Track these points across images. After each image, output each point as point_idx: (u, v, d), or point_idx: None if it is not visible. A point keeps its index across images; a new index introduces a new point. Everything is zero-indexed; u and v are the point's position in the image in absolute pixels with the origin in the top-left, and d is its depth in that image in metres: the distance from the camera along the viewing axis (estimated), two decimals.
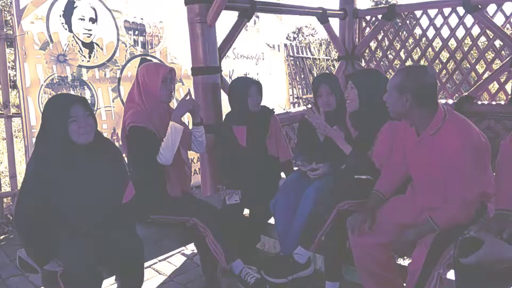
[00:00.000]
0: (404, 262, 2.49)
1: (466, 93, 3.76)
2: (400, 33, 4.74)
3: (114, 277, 2.20)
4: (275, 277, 2.30)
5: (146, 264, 2.70)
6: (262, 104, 2.71)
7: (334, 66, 7.89)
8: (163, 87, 2.30)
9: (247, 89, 2.58)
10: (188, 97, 2.41)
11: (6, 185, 4.07)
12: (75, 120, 1.81)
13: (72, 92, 3.56)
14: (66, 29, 3.62)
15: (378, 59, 4.52)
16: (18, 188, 3.79)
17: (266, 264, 2.41)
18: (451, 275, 1.75)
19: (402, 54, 4.59)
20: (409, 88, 1.79)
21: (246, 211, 2.72)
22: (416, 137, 1.89)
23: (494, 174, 1.81)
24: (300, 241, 2.28)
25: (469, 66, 3.87)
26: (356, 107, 2.25)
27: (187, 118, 4.44)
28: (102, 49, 3.84)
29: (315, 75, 7.79)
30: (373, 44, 4.41)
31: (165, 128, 2.30)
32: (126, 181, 2.06)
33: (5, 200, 3.86)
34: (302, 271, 2.31)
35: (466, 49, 3.83)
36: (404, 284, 2.04)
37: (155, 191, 2.33)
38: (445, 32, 3.86)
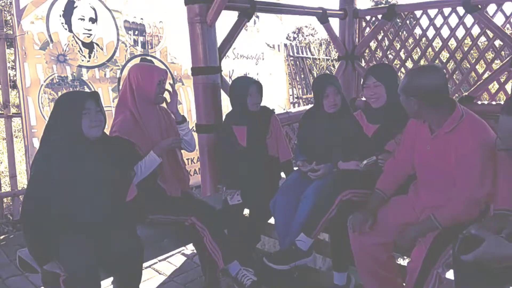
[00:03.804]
0: (404, 262, 2.49)
1: (466, 93, 3.76)
2: (400, 33, 4.74)
3: (111, 280, 2.20)
4: (277, 263, 2.26)
5: (146, 264, 2.71)
6: (262, 104, 2.71)
7: (334, 66, 7.90)
8: (157, 90, 2.30)
9: (246, 88, 2.58)
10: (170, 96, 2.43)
11: (6, 185, 4.07)
12: (87, 113, 1.86)
13: None
14: (66, 29, 3.62)
15: (378, 59, 4.52)
16: (18, 188, 3.81)
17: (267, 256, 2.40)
18: (450, 274, 1.75)
19: (402, 54, 4.59)
20: (412, 92, 1.79)
21: (246, 211, 2.72)
22: (429, 134, 1.89)
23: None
24: (303, 229, 2.27)
25: (469, 66, 3.87)
26: (383, 102, 2.27)
27: (187, 113, 4.45)
28: (102, 49, 3.84)
29: (315, 75, 7.79)
30: (373, 44, 4.41)
31: (155, 131, 2.31)
32: (130, 180, 2.08)
33: (5, 200, 3.86)
34: (303, 258, 2.28)
35: (466, 49, 3.83)
36: (404, 284, 2.04)
37: (152, 191, 2.33)
38: (445, 32, 3.86)
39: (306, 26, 17.02)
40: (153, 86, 2.27)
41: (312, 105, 2.68)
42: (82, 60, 3.72)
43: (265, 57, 5.23)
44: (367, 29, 4.38)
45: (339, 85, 2.50)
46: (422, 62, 4.61)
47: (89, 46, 3.76)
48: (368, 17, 4.38)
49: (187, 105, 4.43)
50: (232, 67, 4.83)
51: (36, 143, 3.37)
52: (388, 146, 2.25)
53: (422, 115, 1.85)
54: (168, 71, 3.77)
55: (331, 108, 2.45)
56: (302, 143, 2.66)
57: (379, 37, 4.36)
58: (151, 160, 2.25)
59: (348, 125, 2.40)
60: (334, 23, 4.34)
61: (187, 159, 4.28)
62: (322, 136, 2.48)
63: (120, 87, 3.92)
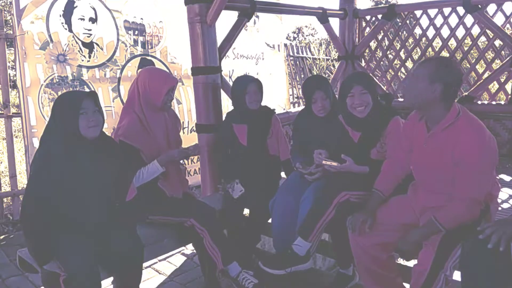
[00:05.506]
0: (404, 262, 2.48)
1: (466, 93, 3.76)
2: (400, 33, 4.74)
3: (111, 280, 2.20)
4: (273, 268, 2.22)
5: (146, 264, 2.71)
6: (262, 104, 2.71)
7: (334, 66, 7.90)
8: (165, 98, 2.31)
9: (245, 86, 2.58)
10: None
11: (6, 185, 4.07)
12: (84, 113, 1.85)
13: None
14: (66, 29, 3.62)
15: (378, 59, 4.52)
16: (18, 188, 3.81)
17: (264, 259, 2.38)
18: (456, 276, 1.74)
19: (402, 54, 4.59)
20: (442, 79, 1.75)
21: (246, 211, 2.72)
22: (426, 133, 1.89)
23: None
24: (299, 231, 2.24)
25: (469, 66, 3.87)
26: (369, 110, 2.20)
27: (187, 113, 4.45)
28: (102, 49, 3.84)
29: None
30: (373, 44, 4.41)
31: (160, 135, 2.32)
32: (129, 180, 2.08)
33: (5, 200, 3.86)
34: (301, 264, 2.22)
35: (466, 49, 3.84)
36: (404, 284, 2.03)
37: (152, 193, 2.33)
38: (445, 32, 3.87)
39: (306, 26, 17.03)
40: (161, 95, 2.29)
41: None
42: (82, 60, 3.72)
43: (265, 57, 5.22)
44: (367, 29, 4.39)
45: (329, 89, 2.45)
46: None
47: (89, 46, 3.76)
48: (368, 17, 4.38)
49: (187, 105, 4.43)
50: (232, 67, 4.82)
51: (36, 143, 3.37)
52: (372, 154, 2.23)
53: (430, 105, 1.81)
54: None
55: (320, 113, 2.44)
56: (299, 145, 2.65)
57: (379, 37, 4.37)
58: (153, 168, 2.26)
59: (338, 127, 2.36)
60: (334, 23, 4.35)
61: (187, 159, 4.28)
62: (317, 138, 2.47)
63: (120, 86, 3.94)
